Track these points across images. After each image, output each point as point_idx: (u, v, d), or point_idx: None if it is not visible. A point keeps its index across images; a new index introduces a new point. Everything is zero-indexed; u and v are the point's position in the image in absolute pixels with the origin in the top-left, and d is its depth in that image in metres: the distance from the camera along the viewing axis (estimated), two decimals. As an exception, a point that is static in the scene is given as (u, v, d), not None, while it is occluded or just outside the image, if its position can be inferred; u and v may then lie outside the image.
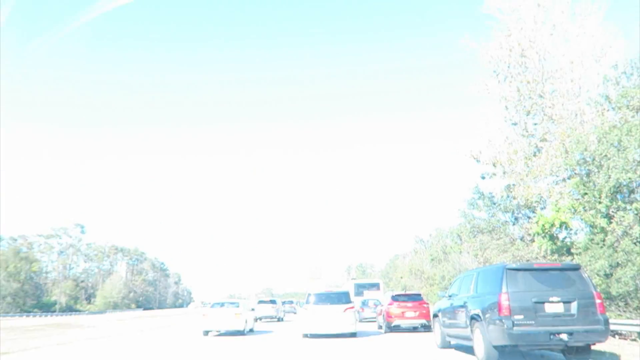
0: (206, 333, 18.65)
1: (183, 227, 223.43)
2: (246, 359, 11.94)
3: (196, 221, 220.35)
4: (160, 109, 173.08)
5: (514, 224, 20.11)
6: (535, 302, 8.66)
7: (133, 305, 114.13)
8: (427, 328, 18.13)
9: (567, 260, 16.11)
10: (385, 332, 18.57)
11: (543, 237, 15.31)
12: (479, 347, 9.46)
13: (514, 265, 9.46)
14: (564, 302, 8.70)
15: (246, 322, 18.94)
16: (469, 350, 10.43)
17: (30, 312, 73.55)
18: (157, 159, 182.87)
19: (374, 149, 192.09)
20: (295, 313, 44.01)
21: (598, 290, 10.05)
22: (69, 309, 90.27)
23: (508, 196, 18.92)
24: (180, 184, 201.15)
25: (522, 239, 19.72)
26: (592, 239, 13.42)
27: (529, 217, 19.39)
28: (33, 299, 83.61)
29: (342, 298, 16.48)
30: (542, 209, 17.60)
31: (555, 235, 15.21)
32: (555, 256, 16.28)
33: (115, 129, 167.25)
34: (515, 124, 20.23)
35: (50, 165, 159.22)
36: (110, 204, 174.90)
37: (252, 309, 24.27)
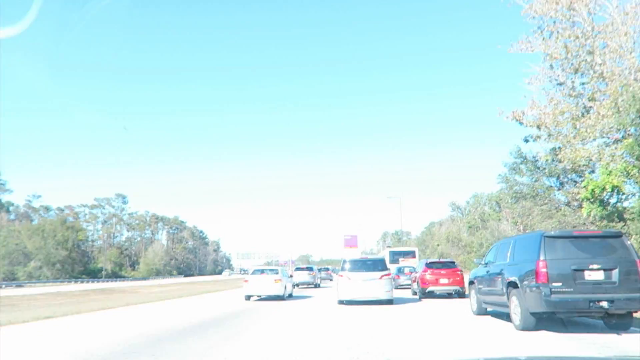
0: (248, 298, 19.42)
1: (222, 197, 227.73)
2: (291, 317, 12.73)
3: (235, 191, 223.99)
4: (202, 74, 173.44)
5: (559, 189, 19.07)
6: (574, 270, 8.61)
7: (174, 272, 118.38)
8: (460, 294, 18.51)
9: (618, 227, 15.29)
10: (420, 299, 18.88)
11: (592, 203, 14.41)
12: (516, 313, 9.49)
13: (552, 233, 9.37)
14: (605, 270, 8.60)
15: (285, 287, 19.59)
16: (506, 317, 10.50)
17: (78, 278, 77.18)
18: (196, 130, 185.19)
19: (413, 114, 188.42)
20: (331, 280, 44.37)
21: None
22: (115, 276, 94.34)
23: (553, 160, 17.84)
24: (218, 154, 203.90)
25: (567, 204, 18.76)
26: (649, 204, 12.54)
27: (575, 182, 18.33)
28: (80, 266, 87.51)
29: (377, 265, 16.30)
30: (590, 172, 16.57)
31: (605, 200, 14.29)
32: (605, 222, 15.40)
33: (152, 100, 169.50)
34: (561, 84, 18.95)
35: (91, 136, 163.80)
36: (150, 175, 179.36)
37: (291, 276, 24.97)
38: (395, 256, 40.40)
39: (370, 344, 7.89)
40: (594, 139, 16.06)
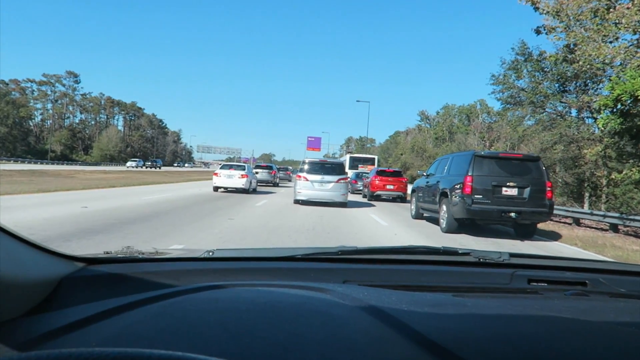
0: (216, 189, 21.31)
1: (184, 87, 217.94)
2: (261, 203, 15.58)
3: (197, 81, 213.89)
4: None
5: (562, 97, 16.18)
6: (494, 186, 10.06)
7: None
8: (402, 199, 21.75)
9: (629, 145, 12.96)
10: (369, 200, 21.62)
11: (612, 112, 11.70)
12: (443, 219, 10.98)
13: (482, 153, 10.65)
14: (519, 187, 10.07)
15: (251, 183, 21.81)
16: (436, 222, 11.85)
17: (23, 158, 72.30)
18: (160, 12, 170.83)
19: (391, 19, 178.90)
20: (289, 180, 42.84)
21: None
22: (65, 159, 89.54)
23: (564, 59, 14.77)
24: (183, 41, 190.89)
25: (566, 115, 16.07)
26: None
27: (583, 90, 15.55)
28: (24, 145, 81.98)
29: (336, 169, 16.58)
30: (607, 77, 13.75)
31: (628, 110, 11.57)
32: (615, 138, 12.90)
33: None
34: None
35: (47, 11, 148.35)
36: (105, 56, 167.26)
37: (256, 173, 27.45)
38: (355, 162, 40.12)
39: (324, 224, 9.91)
40: (623, 35, 12.95)
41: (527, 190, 9.99)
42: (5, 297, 0.88)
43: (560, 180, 21.11)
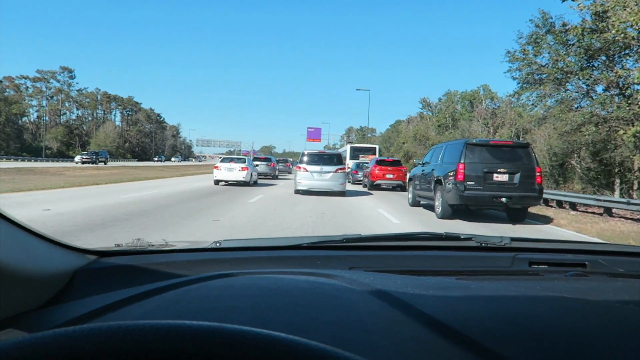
0: (217, 182, 21.58)
1: (181, 79, 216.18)
2: (264, 195, 16.00)
3: (195, 73, 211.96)
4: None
5: (590, 73, 14.48)
6: (486, 172, 10.36)
7: (129, 155, 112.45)
8: (402, 188, 21.59)
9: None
10: (369, 190, 21.87)
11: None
12: (438, 205, 11.28)
13: (473, 141, 10.91)
14: (509, 173, 10.39)
15: (251, 175, 22.08)
16: (432, 208, 12.13)
17: (17, 156, 70.82)
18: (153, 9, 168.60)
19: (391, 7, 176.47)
20: (289, 172, 41.64)
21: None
22: (61, 155, 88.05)
23: (592, 30, 13.12)
24: (178, 33, 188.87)
25: (591, 92, 14.45)
26: None
27: (611, 64, 13.93)
28: (17, 143, 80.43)
29: (334, 159, 17.07)
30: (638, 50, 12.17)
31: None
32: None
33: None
34: None
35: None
36: (101, 52, 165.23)
37: (256, 165, 27.47)
38: (356, 152, 39.25)
39: (325, 223, 9.21)
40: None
41: (517, 176, 10.36)
42: (23, 289, 0.93)
43: (578, 166, 19.59)
